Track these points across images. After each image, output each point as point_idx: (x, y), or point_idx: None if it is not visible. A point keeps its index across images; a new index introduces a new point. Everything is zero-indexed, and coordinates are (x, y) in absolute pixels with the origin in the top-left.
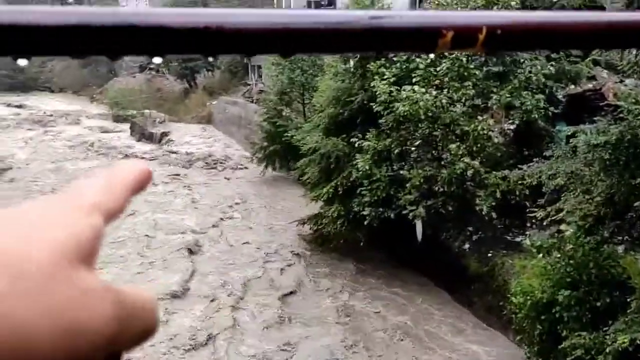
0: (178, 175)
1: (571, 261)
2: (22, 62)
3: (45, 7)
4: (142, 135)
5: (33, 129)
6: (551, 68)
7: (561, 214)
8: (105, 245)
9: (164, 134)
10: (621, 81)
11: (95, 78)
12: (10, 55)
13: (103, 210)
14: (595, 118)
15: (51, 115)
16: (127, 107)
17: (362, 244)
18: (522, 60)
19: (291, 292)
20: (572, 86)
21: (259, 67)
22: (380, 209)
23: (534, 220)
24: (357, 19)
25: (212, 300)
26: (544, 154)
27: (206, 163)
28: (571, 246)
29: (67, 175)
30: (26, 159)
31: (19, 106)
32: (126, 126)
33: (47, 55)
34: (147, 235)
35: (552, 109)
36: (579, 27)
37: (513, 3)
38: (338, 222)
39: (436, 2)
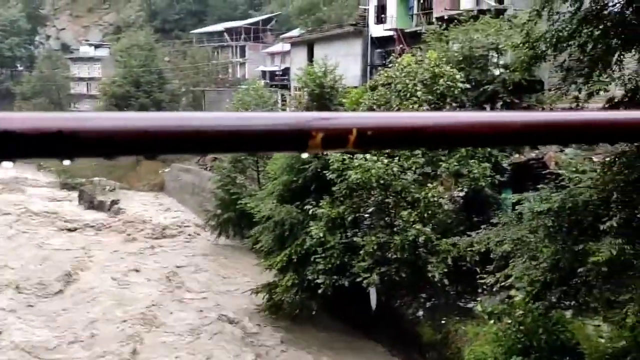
0: (127, 242)
1: (521, 327)
2: None
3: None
4: (91, 203)
5: None
6: None
7: (510, 280)
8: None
9: (114, 202)
10: (562, 150)
11: None
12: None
13: None
14: (538, 186)
15: None
16: (75, 175)
17: (314, 312)
18: None
19: None
20: (517, 155)
21: None
22: (335, 277)
23: (484, 286)
24: (225, 121)
25: None
26: (492, 220)
27: (157, 231)
28: (521, 312)
29: (11, 245)
30: None
31: None
32: (74, 194)
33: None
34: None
35: (498, 177)
36: (445, 127)
37: (458, 76)
38: (292, 291)
39: (386, 75)
